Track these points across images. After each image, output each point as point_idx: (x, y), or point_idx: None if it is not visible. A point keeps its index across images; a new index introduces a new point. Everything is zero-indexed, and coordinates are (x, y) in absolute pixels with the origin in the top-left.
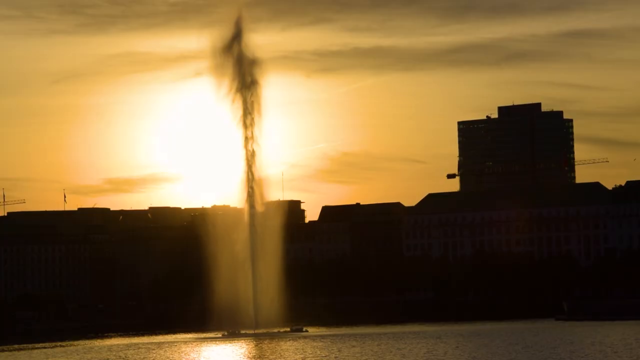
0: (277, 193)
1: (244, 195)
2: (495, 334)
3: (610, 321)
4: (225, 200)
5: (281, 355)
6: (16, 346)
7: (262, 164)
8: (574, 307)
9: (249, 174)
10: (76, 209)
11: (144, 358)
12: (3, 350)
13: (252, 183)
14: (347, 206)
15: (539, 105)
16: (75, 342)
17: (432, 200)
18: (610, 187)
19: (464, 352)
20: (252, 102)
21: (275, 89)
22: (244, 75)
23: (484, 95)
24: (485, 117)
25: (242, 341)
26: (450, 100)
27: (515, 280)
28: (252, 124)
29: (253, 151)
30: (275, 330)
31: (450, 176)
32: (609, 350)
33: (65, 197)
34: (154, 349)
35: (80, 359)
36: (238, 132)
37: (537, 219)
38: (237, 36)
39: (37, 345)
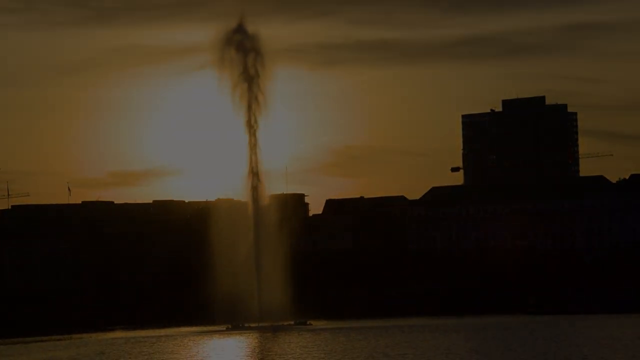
0: (280, 186)
1: (248, 188)
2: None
3: (576, 315)
4: (229, 194)
5: (284, 349)
6: (13, 339)
7: (265, 157)
8: (540, 301)
9: (253, 167)
10: (80, 202)
11: (146, 352)
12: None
13: (255, 176)
14: (351, 199)
15: (543, 98)
16: (78, 336)
17: (436, 194)
18: (614, 180)
19: (472, 345)
20: (256, 95)
21: (279, 82)
22: (248, 68)
23: (488, 88)
24: (489, 111)
25: (246, 334)
26: (454, 94)
27: (518, 274)
28: (255, 117)
29: (257, 144)
30: (279, 323)
31: (454, 169)
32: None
33: (69, 190)
34: (156, 343)
35: (77, 353)
36: (241, 126)
37: (541, 212)
38: (240, 29)
39: (36, 339)
